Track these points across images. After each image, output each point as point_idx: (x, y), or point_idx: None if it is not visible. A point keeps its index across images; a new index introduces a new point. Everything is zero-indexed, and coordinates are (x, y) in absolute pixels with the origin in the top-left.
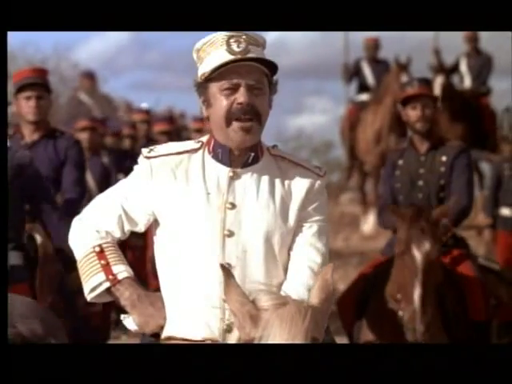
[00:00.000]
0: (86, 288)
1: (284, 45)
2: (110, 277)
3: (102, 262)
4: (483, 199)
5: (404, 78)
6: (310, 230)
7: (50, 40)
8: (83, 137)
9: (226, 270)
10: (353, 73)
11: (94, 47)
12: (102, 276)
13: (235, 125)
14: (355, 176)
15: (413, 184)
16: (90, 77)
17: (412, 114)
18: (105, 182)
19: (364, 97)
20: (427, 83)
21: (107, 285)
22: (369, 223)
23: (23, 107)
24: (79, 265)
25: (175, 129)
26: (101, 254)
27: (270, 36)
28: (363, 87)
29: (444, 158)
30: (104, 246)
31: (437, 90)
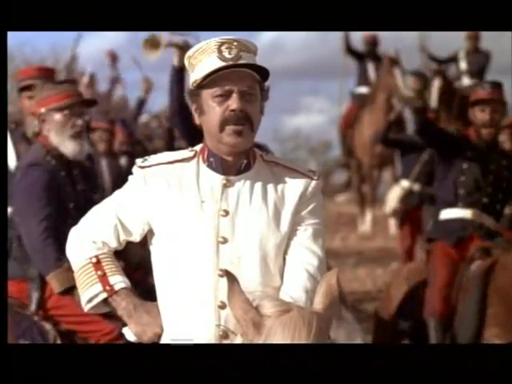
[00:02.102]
0: (83, 299)
1: (280, 45)
2: (107, 287)
3: (99, 272)
4: None
5: (397, 72)
6: (305, 233)
7: (47, 40)
8: (98, 138)
9: (231, 275)
10: (356, 52)
11: (90, 47)
12: (98, 287)
13: (228, 129)
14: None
15: (479, 181)
16: (87, 77)
17: (480, 116)
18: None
19: (363, 89)
20: (499, 87)
21: (104, 295)
22: (366, 223)
23: (26, 106)
24: (76, 276)
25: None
26: (97, 264)
27: (267, 36)
28: (363, 81)
29: (504, 162)
30: (101, 256)
31: (434, 94)
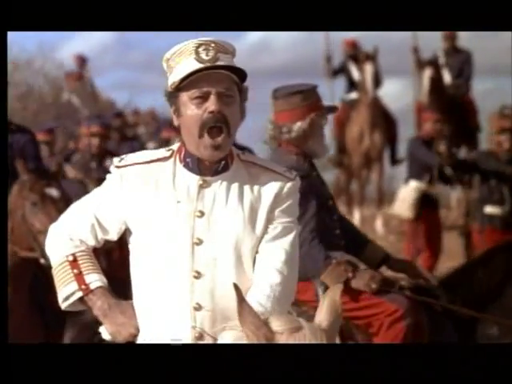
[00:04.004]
0: (60, 297)
1: (268, 45)
2: (83, 286)
3: (75, 271)
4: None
5: (368, 68)
6: (274, 230)
7: (34, 40)
8: (93, 142)
9: (239, 290)
10: (338, 70)
11: (77, 47)
12: (74, 285)
13: (206, 141)
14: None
15: None
16: (76, 76)
17: None
18: None
19: (353, 95)
20: None
21: (79, 294)
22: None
23: None
24: (54, 273)
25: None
26: (74, 262)
27: (254, 36)
28: (352, 86)
29: None
30: (77, 254)
31: (425, 82)
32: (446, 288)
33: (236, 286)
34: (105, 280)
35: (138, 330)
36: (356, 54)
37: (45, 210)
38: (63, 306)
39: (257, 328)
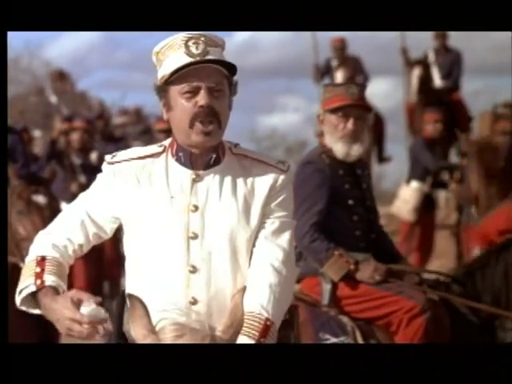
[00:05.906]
0: (17, 290)
1: (255, 44)
2: (38, 281)
3: (38, 269)
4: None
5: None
6: (271, 226)
7: (21, 38)
8: (74, 138)
9: (134, 298)
10: (324, 72)
11: (64, 45)
12: (31, 280)
13: (197, 127)
14: None
15: None
16: (60, 76)
17: None
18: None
19: None
20: None
21: (33, 288)
22: None
23: None
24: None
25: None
26: (41, 262)
27: (241, 36)
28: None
29: None
30: (48, 257)
31: (414, 81)
32: (462, 280)
33: (130, 295)
34: (63, 286)
35: (74, 323)
36: (343, 55)
37: (29, 217)
38: (17, 301)
39: (143, 338)
